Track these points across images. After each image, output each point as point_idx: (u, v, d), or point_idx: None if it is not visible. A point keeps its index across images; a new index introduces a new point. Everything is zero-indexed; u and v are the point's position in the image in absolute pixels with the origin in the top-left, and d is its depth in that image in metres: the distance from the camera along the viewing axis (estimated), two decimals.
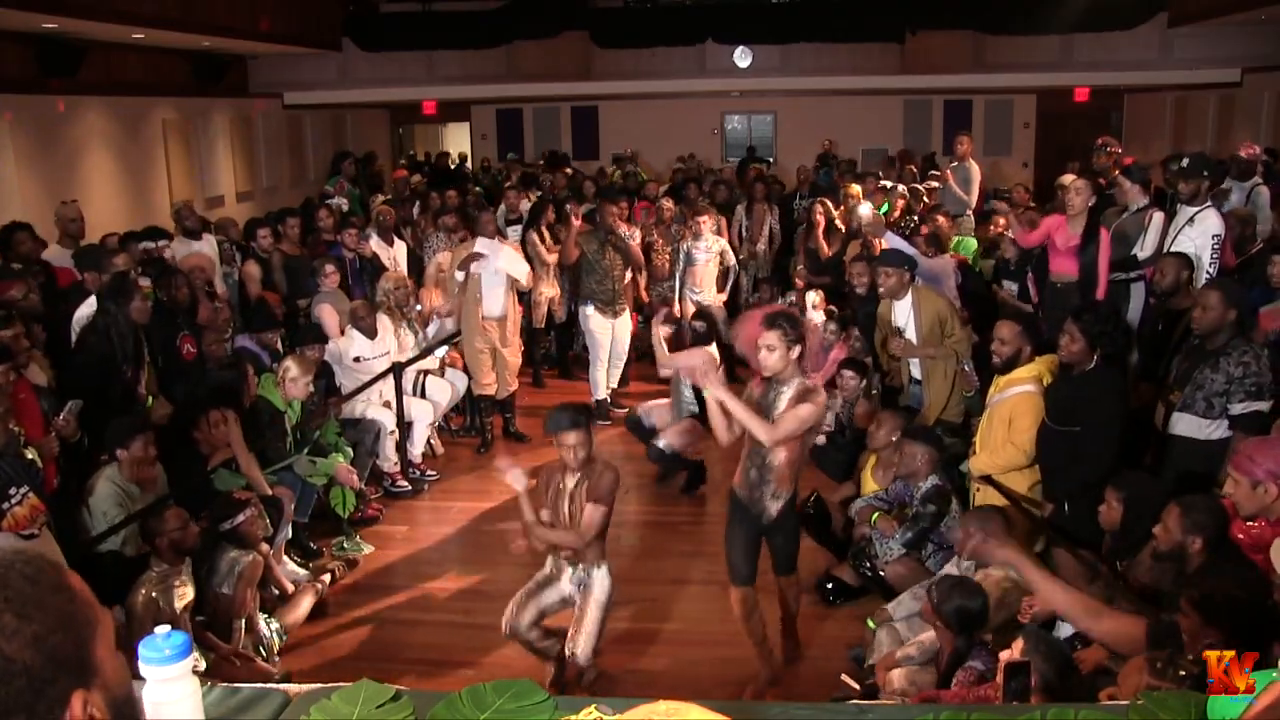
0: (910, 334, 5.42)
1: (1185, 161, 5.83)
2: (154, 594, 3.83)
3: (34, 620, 1.03)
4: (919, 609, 3.98)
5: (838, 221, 8.53)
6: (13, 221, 6.22)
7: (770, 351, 3.63)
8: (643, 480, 6.40)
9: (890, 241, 7.14)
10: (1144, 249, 5.78)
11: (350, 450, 5.76)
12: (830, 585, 4.78)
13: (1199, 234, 5.47)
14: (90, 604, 1.11)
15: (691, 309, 8.11)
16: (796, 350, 3.66)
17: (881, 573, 4.52)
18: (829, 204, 8.68)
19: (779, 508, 3.84)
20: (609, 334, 7.55)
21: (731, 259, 8.41)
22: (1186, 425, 4.22)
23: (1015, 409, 4.35)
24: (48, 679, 1.02)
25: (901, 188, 9.17)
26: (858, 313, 6.63)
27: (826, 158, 13.83)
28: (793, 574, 4.11)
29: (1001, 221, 7.82)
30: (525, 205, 8.84)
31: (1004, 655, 2.89)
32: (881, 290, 5.50)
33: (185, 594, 3.95)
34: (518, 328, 7.20)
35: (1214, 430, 4.15)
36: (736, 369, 8.25)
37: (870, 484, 5.11)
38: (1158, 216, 5.86)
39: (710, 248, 8.09)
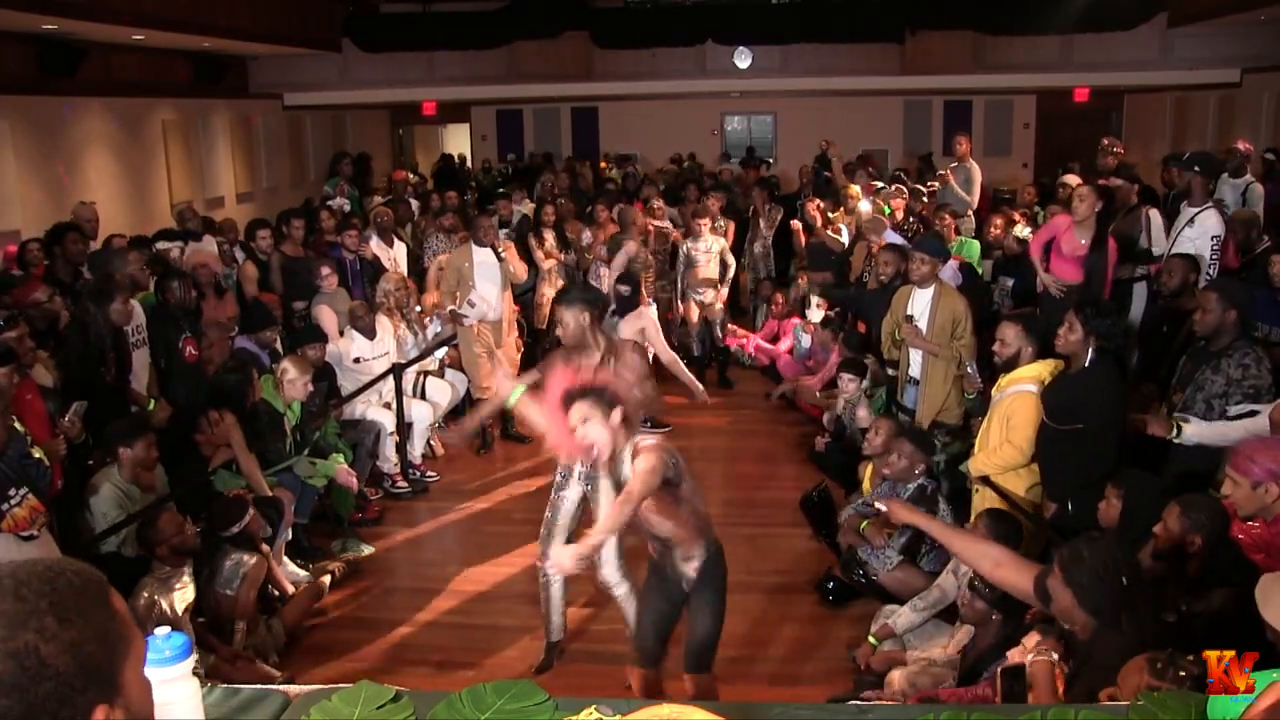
0: (922, 325, 5.39)
1: (1186, 158, 5.86)
2: (155, 595, 3.84)
3: (74, 626, 1.05)
4: (920, 621, 3.99)
5: (831, 215, 8.55)
6: (65, 222, 6.47)
7: (585, 424, 2.94)
8: None
9: (890, 240, 7.15)
10: (1156, 244, 5.79)
11: (350, 451, 5.76)
12: (830, 585, 4.78)
13: (1198, 234, 5.47)
14: (128, 624, 1.13)
15: (695, 310, 8.17)
16: (618, 414, 2.96)
17: (874, 577, 4.51)
18: (820, 203, 8.72)
19: (696, 566, 3.23)
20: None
21: (731, 259, 8.43)
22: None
23: (1012, 408, 4.33)
24: (76, 688, 1.04)
25: (895, 188, 9.17)
26: (867, 306, 6.58)
27: (823, 158, 13.79)
28: (706, 673, 3.28)
29: (1000, 222, 7.82)
30: (519, 208, 8.91)
31: (1012, 654, 2.89)
32: (914, 277, 5.47)
33: (186, 595, 3.95)
34: (513, 327, 7.19)
35: None
36: (726, 373, 8.30)
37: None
38: (1154, 213, 5.86)
39: (710, 248, 8.13)
